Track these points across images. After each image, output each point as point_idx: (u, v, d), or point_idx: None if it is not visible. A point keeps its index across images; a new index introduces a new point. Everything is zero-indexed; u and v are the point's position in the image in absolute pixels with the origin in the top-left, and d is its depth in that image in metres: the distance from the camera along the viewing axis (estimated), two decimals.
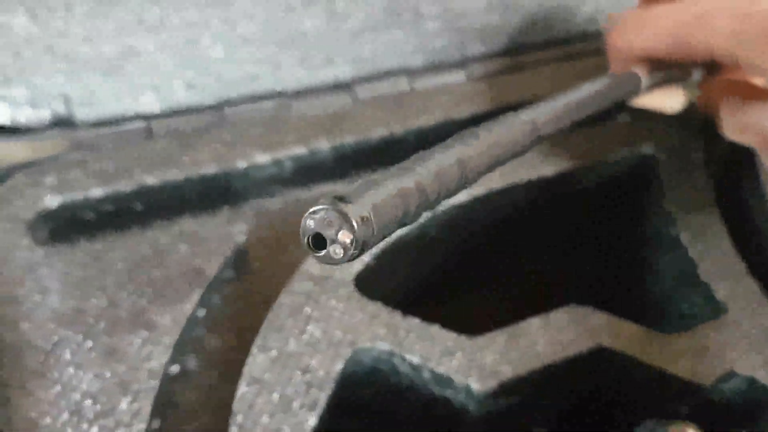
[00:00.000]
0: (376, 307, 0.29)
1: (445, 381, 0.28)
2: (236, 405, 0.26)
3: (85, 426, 0.26)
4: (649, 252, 0.38)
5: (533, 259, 0.41)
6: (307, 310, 0.29)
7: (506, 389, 0.28)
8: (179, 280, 0.30)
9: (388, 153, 0.35)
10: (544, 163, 0.35)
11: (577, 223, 0.40)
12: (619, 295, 0.42)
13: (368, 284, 0.30)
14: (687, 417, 0.29)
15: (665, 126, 0.37)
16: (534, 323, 0.30)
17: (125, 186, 0.31)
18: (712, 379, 0.29)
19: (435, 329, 0.29)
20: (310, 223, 0.15)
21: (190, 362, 0.29)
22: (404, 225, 0.17)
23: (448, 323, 0.29)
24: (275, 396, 0.27)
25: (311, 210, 0.15)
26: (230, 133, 0.34)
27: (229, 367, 0.29)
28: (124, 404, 0.26)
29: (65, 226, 0.31)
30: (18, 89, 0.32)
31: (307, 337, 0.28)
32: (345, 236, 0.15)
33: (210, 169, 0.32)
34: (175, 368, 0.28)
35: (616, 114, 0.38)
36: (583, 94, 0.25)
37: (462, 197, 0.33)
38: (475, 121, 0.33)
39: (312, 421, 0.26)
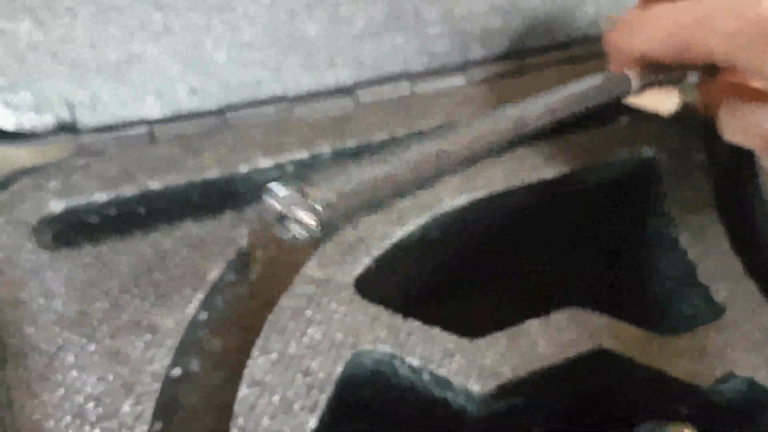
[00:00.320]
0: (377, 310, 0.29)
1: (445, 383, 0.28)
2: (237, 407, 0.26)
3: (87, 428, 0.26)
4: (649, 253, 0.38)
5: (533, 260, 0.42)
6: (308, 312, 0.29)
7: (506, 391, 0.28)
8: (182, 283, 0.30)
9: None
10: (545, 164, 0.35)
11: (578, 224, 0.40)
12: (619, 296, 0.42)
13: (368, 286, 0.31)
14: (687, 418, 0.29)
15: (665, 128, 0.37)
16: (534, 325, 0.30)
17: (129, 190, 0.32)
18: (712, 380, 0.29)
19: (436, 331, 0.29)
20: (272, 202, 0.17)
21: (193, 365, 0.29)
22: (374, 207, 0.19)
23: (449, 324, 0.30)
24: (276, 398, 0.27)
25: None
26: (233, 138, 0.34)
27: (231, 370, 0.29)
28: (126, 407, 0.26)
29: (69, 231, 0.31)
30: (22, 94, 0.32)
31: (308, 339, 0.28)
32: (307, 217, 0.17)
33: (213, 173, 0.33)
34: (177, 371, 0.29)
35: (616, 116, 0.38)
36: (570, 91, 0.25)
37: (463, 199, 0.33)
38: None
39: (312, 422, 0.26)
